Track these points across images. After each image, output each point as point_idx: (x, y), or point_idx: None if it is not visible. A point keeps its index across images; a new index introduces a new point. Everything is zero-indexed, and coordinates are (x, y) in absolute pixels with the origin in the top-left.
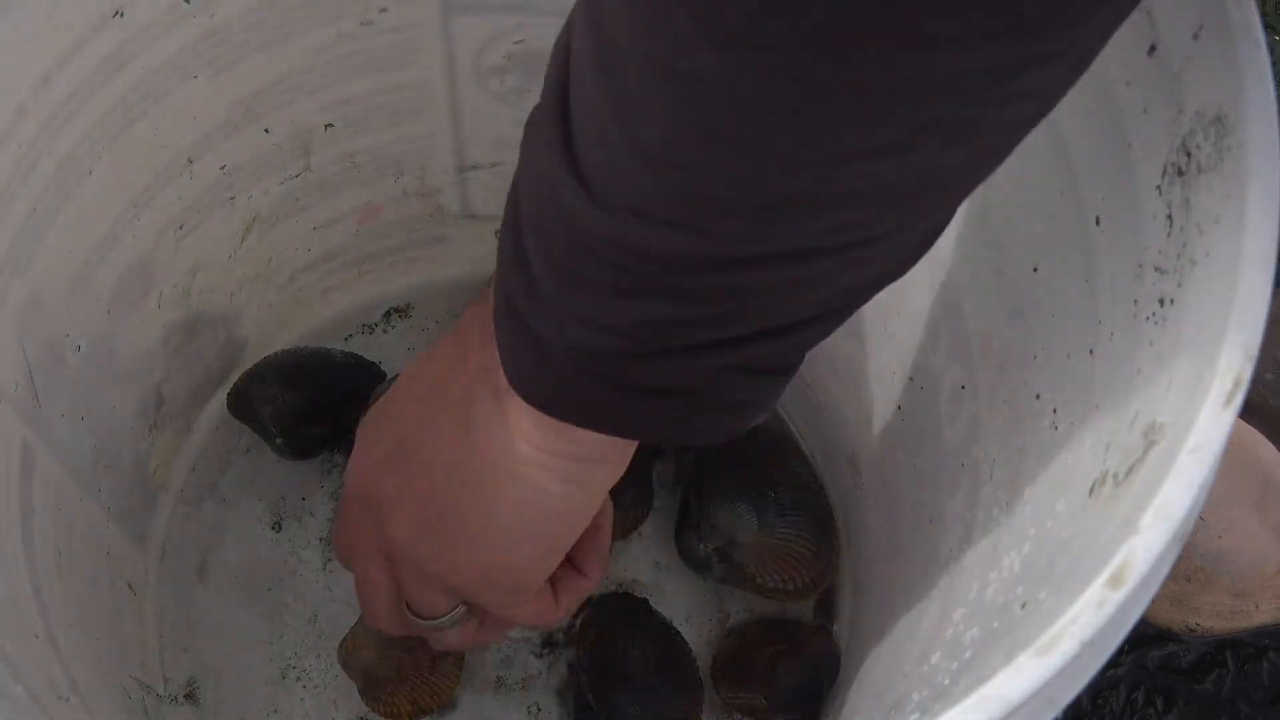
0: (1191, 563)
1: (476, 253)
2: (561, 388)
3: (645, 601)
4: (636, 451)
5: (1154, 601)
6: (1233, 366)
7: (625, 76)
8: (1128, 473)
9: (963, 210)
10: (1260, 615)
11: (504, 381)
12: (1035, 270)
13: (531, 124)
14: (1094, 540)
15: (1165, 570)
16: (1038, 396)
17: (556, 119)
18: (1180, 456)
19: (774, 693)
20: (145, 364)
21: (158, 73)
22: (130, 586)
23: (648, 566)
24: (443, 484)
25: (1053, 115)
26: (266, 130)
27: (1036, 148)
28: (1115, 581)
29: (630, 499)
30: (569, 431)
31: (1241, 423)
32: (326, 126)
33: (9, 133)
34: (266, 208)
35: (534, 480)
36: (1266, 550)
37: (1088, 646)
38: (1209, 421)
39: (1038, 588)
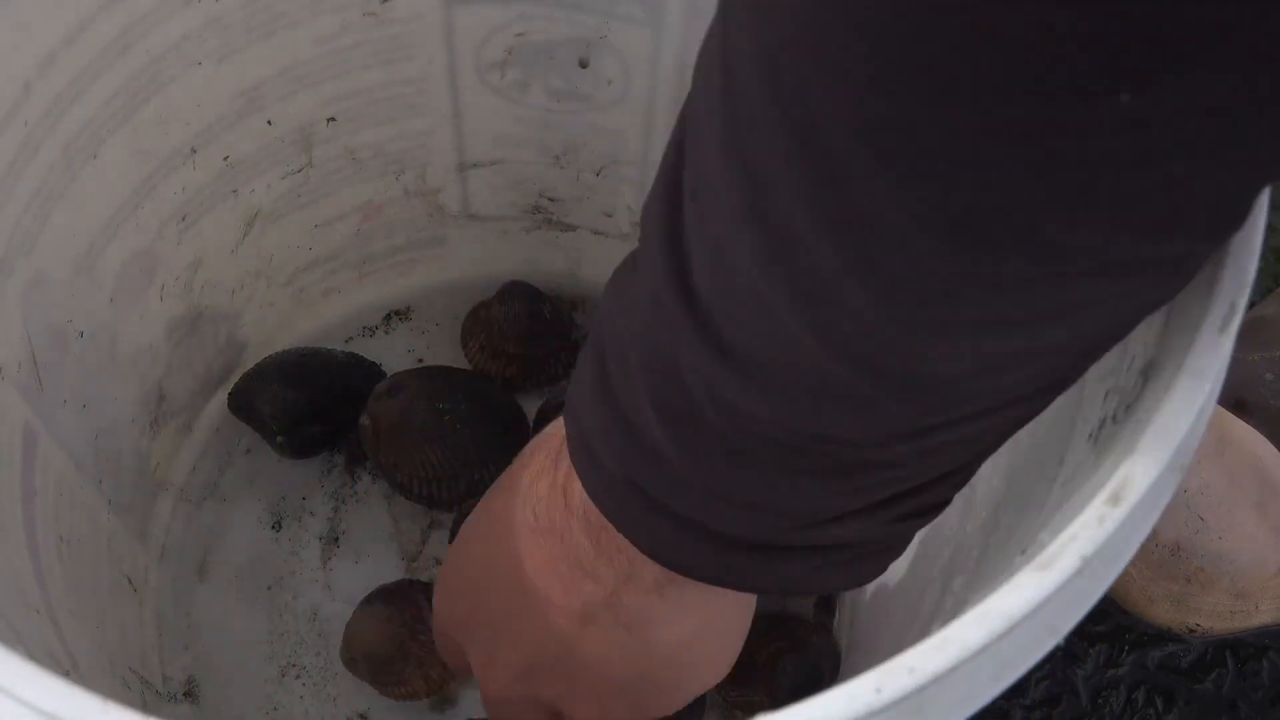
0: (1192, 563)
1: (476, 254)
2: (723, 566)
3: None
4: None
5: (1155, 601)
6: (1227, 294)
7: (813, 271)
8: (1126, 410)
9: None
10: (1260, 616)
11: (651, 574)
12: None
13: (632, 302)
14: (1092, 474)
15: (1165, 497)
16: None
17: (678, 302)
18: (1178, 381)
19: (775, 690)
20: (147, 358)
21: (163, 57)
22: (130, 582)
23: None
24: (618, 688)
25: None
26: (269, 122)
27: None
28: (1115, 500)
29: None
30: (732, 597)
31: (1242, 423)
32: (329, 120)
33: (16, 110)
34: (269, 203)
35: (706, 652)
36: (1267, 551)
37: (1088, 563)
38: (1206, 346)
39: (1037, 531)
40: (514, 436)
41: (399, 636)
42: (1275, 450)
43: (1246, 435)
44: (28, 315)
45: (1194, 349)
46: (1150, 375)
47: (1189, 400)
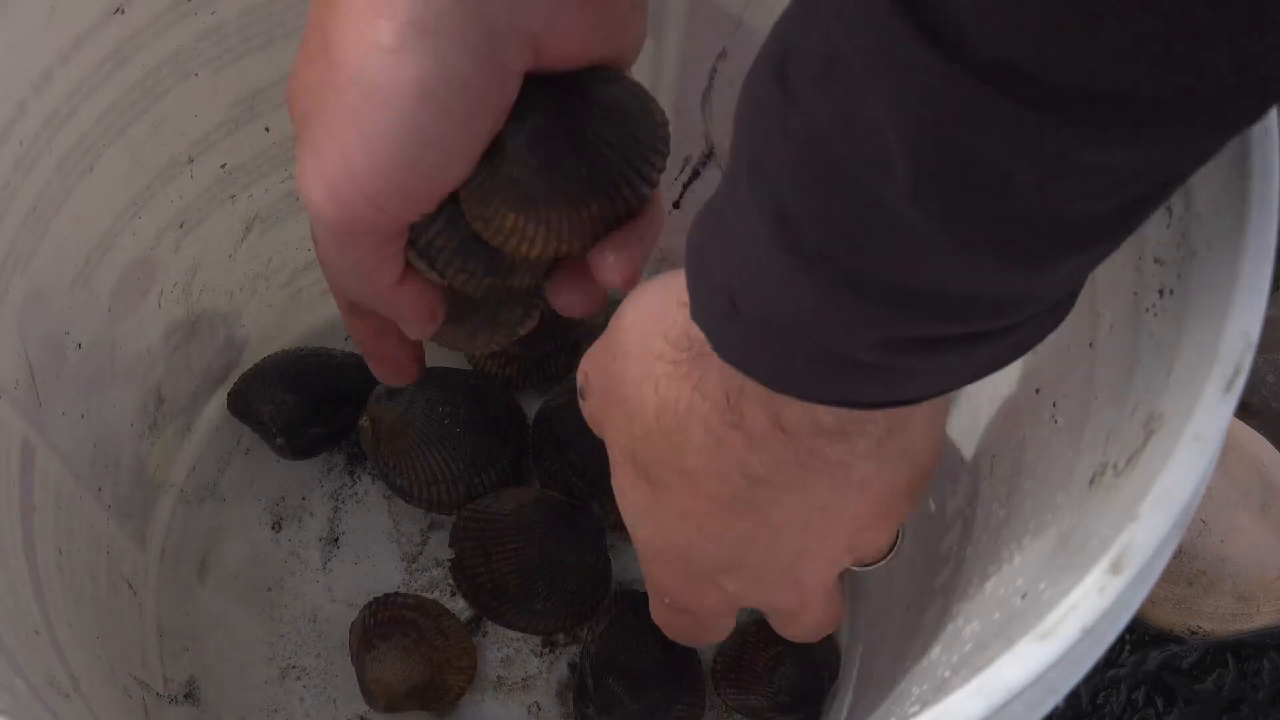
0: (1194, 566)
1: None
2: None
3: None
4: None
5: (1156, 604)
6: (1232, 354)
7: None
8: (1128, 462)
9: None
10: (1262, 618)
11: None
12: None
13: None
14: (1094, 530)
15: (1165, 558)
16: (1037, 390)
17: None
18: (1181, 444)
19: (775, 694)
20: (145, 363)
21: (158, 70)
22: (130, 585)
23: None
24: (791, 545)
25: None
26: (267, 129)
27: None
28: (1116, 568)
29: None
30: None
31: (1244, 426)
32: None
33: (10, 129)
34: (267, 207)
35: (925, 444)
36: (1268, 554)
37: (1088, 633)
38: (1209, 409)
39: (1037, 579)
40: (513, 439)
41: (424, 656)
42: (1277, 453)
43: (1249, 438)
44: (25, 331)
45: (1198, 412)
46: (1153, 429)
47: (1193, 465)
